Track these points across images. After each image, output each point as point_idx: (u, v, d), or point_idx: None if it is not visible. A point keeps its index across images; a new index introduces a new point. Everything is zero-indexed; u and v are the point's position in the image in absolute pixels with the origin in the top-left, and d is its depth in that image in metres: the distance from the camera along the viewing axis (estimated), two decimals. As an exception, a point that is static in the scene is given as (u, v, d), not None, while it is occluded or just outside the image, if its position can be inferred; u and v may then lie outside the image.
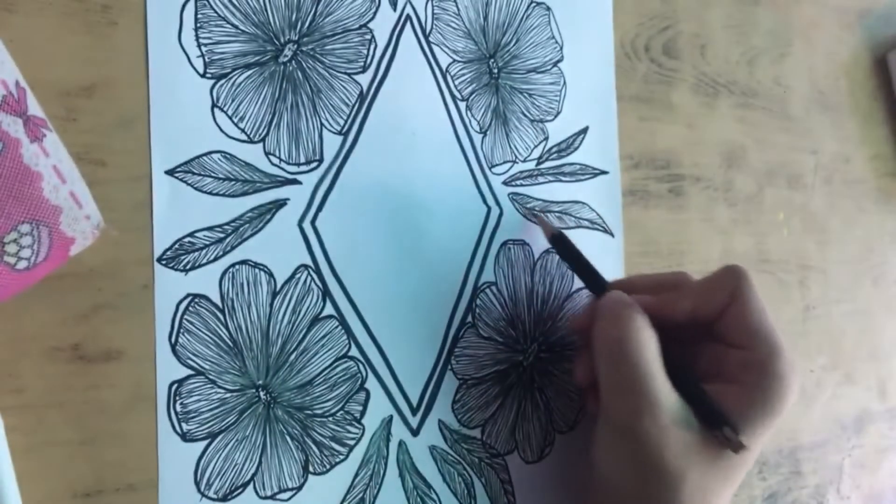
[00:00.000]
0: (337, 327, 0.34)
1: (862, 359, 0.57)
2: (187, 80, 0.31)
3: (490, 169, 0.39)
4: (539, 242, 0.40)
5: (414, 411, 0.36)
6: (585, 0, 0.44)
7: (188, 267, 0.31)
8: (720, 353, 0.35)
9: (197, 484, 0.30)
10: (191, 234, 0.31)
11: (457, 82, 0.39)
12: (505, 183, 0.40)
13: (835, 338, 0.55)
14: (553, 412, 0.40)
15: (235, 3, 0.33)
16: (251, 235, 0.32)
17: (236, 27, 0.33)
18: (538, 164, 0.41)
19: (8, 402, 0.27)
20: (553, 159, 0.42)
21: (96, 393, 0.29)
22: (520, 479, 0.39)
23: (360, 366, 0.35)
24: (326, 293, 0.34)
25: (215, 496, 0.31)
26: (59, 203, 0.25)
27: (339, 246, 0.34)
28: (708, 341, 0.36)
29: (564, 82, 0.43)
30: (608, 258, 0.43)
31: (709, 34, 0.50)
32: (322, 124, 0.35)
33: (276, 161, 0.33)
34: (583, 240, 0.42)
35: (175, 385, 0.30)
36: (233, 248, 0.32)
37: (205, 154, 0.32)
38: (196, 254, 0.31)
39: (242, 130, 0.33)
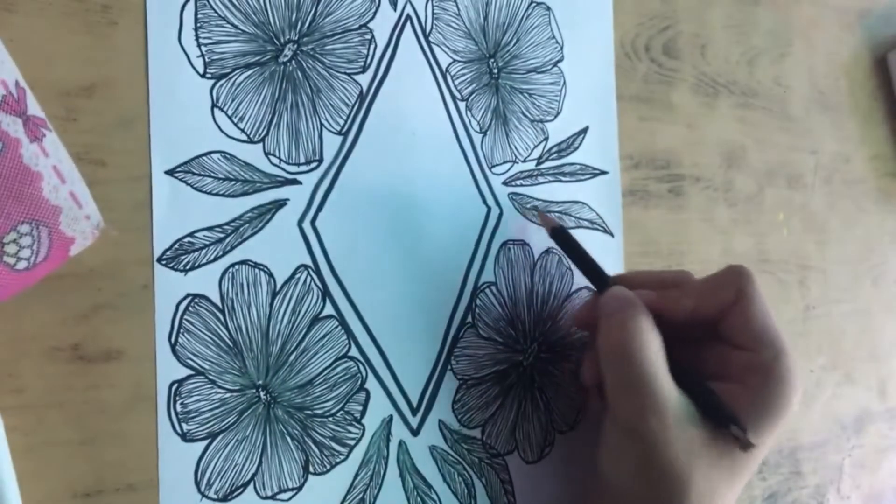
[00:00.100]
0: (337, 327, 0.34)
1: (862, 359, 0.57)
2: (187, 80, 0.31)
3: (490, 169, 0.39)
4: (539, 243, 0.40)
5: (414, 411, 0.36)
6: (585, 0, 0.44)
7: (188, 267, 0.31)
8: (724, 353, 0.35)
9: (197, 484, 0.30)
10: (191, 234, 0.31)
11: (457, 82, 0.39)
12: (505, 183, 0.40)
13: (835, 338, 0.55)
14: (553, 412, 0.40)
15: (235, 3, 0.33)
16: (251, 235, 0.32)
17: (236, 27, 0.33)
18: (538, 164, 0.41)
19: (8, 402, 0.27)
20: (553, 159, 0.42)
21: (96, 393, 0.29)
22: (520, 479, 0.39)
23: (360, 366, 0.35)
24: (326, 293, 0.34)
25: (215, 496, 0.31)
26: (59, 203, 0.25)
27: (339, 246, 0.34)
28: (712, 341, 0.36)
29: (564, 82, 0.42)
30: (608, 258, 0.43)
31: (709, 34, 0.50)
32: (322, 124, 0.35)
33: (275, 161, 0.33)
34: (583, 240, 0.42)
35: (175, 385, 0.30)
36: (233, 248, 0.32)
37: (205, 154, 0.32)
38: (196, 254, 0.31)
39: (242, 130, 0.33)
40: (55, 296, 0.28)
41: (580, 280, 0.41)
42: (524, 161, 0.41)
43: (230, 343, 0.32)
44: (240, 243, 0.32)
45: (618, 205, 0.44)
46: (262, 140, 0.33)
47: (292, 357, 0.33)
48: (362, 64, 0.36)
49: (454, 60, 0.39)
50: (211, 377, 0.31)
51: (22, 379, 0.28)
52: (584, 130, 0.43)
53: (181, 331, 0.31)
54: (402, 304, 0.36)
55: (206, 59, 0.32)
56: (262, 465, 0.32)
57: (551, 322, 0.41)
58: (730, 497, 0.34)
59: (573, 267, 0.41)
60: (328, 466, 0.33)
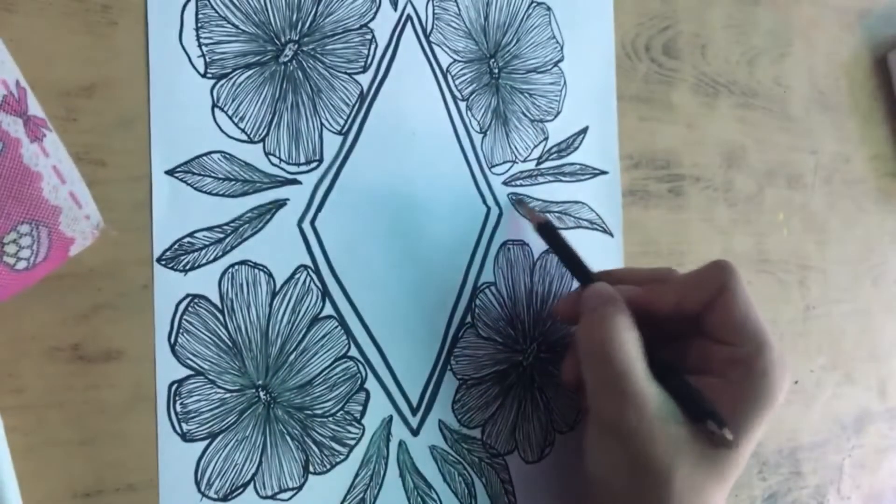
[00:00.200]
0: (336, 327, 0.34)
1: (862, 359, 0.57)
2: (187, 80, 0.31)
3: (490, 169, 0.39)
4: (539, 243, 0.40)
5: (414, 411, 0.36)
6: (586, 0, 0.44)
7: (188, 267, 0.31)
8: (707, 348, 0.35)
9: (197, 484, 0.30)
10: (190, 235, 0.31)
11: (457, 82, 0.39)
12: (505, 183, 0.40)
13: (835, 338, 0.55)
14: (553, 412, 0.40)
15: (236, 3, 0.33)
16: (251, 236, 0.32)
17: (237, 27, 0.33)
18: (538, 164, 0.41)
19: (8, 402, 0.27)
20: (553, 159, 0.42)
21: (96, 393, 0.29)
22: (520, 479, 0.39)
23: (360, 366, 0.35)
24: (326, 293, 0.34)
25: (215, 496, 0.31)
26: (59, 203, 0.25)
27: (339, 246, 0.34)
28: (695, 336, 0.36)
29: (564, 82, 0.42)
30: (608, 258, 0.43)
31: (709, 34, 0.50)
32: (322, 124, 0.35)
33: (276, 161, 0.33)
34: (583, 240, 0.42)
35: (175, 385, 0.30)
36: (232, 248, 0.32)
37: (205, 154, 0.32)
38: (196, 254, 0.31)
39: (242, 130, 0.32)
40: (55, 296, 0.28)
41: (567, 270, 0.41)
42: (524, 161, 0.41)
43: (230, 343, 0.32)
44: (239, 243, 0.32)
45: (618, 205, 0.44)
46: (263, 140, 0.33)
47: (292, 357, 0.33)
48: (363, 64, 0.36)
49: (454, 60, 0.39)
50: (211, 377, 0.31)
51: (22, 379, 0.28)
52: (584, 130, 0.43)
53: (181, 331, 0.31)
54: (402, 304, 0.36)
55: (207, 59, 0.32)
56: (262, 464, 0.32)
57: (551, 322, 0.41)
58: (717, 493, 0.33)
59: (560, 262, 0.41)
60: (328, 466, 0.33)
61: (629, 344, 0.33)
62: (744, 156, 0.51)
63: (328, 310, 0.34)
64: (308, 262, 0.34)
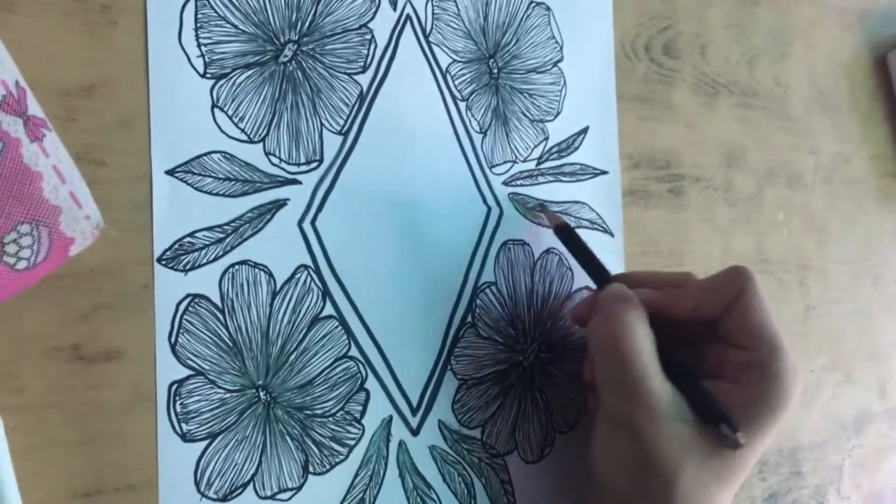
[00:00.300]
0: (337, 327, 0.34)
1: (862, 359, 0.57)
2: (187, 80, 0.31)
3: (490, 169, 0.39)
4: (539, 243, 0.40)
5: (414, 411, 0.36)
6: (585, 0, 0.44)
7: (188, 267, 0.31)
8: (722, 352, 0.35)
9: (197, 484, 0.30)
10: (191, 234, 0.31)
11: (457, 82, 0.39)
12: (505, 183, 0.40)
13: (835, 338, 0.55)
14: (553, 412, 0.40)
15: (235, 3, 0.33)
16: (251, 235, 0.32)
17: (236, 27, 0.33)
18: (538, 164, 0.41)
19: (8, 402, 0.27)
20: (553, 159, 0.42)
21: (96, 393, 0.29)
22: (520, 479, 0.39)
23: (360, 366, 0.35)
24: (326, 293, 0.34)
25: (215, 496, 0.31)
26: (59, 203, 0.25)
27: (339, 246, 0.34)
28: (711, 341, 0.36)
29: (564, 82, 0.43)
30: (608, 258, 0.43)
31: (709, 34, 0.50)
32: (322, 124, 0.35)
33: (276, 161, 0.33)
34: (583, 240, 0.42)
35: (175, 385, 0.30)
36: (233, 248, 0.32)
37: (205, 154, 0.32)
38: (196, 254, 0.31)
39: (242, 130, 0.33)
40: (55, 296, 0.28)
41: (580, 280, 0.41)
42: (524, 161, 0.41)
43: (230, 343, 0.32)
44: (240, 243, 0.32)
45: (618, 205, 0.44)
46: (263, 140, 0.33)
47: (292, 357, 0.33)
48: (362, 64, 0.36)
49: (454, 60, 0.39)
50: (211, 377, 0.31)
51: (22, 379, 0.28)
52: (585, 130, 0.43)
53: (181, 331, 0.31)
54: (403, 303, 0.36)
55: (206, 59, 0.32)
56: (262, 465, 0.32)
57: (551, 322, 0.41)
58: (723, 495, 0.33)
59: (573, 266, 0.41)
60: (328, 466, 0.33)
61: (642, 341, 0.33)
62: (744, 156, 0.51)
63: (328, 310, 0.34)
64: (308, 261, 0.34)
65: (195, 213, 0.31)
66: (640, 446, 0.32)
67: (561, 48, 0.42)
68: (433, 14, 0.38)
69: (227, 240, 0.32)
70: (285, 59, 0.34)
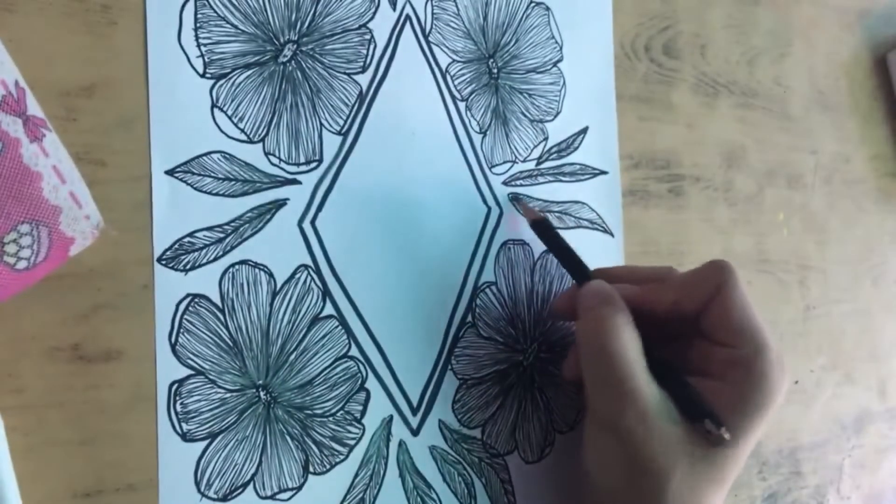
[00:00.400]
0: (337, 327, 0.34)
1: (862, 359, 0.57)
2: (187, 80, 0.31)
3: (490, 169, 0.39)
4: (539, 242, 0.40)
5: (414, 411, 0.36)
6: (585, 0, 0.44)
7: (188, 267, 0.31)
8: (706, 349, 0.35)
9: (197, 484, 0.30)
10: (191, 234, 0.31)
11: (456, 82, 0.39)
12: (505, 183, 0.40)
13: (835, 338, 0.55)
14: (553, 412, 0.40)
15: (235, 3, 0.33)
16: (251, 235, 0.32)
17: (236, 27, 0.33)
18: (538, 164, 0.41)
19: (8, 402, 0.27)
20: (553, 159, 0.42)
21: (96, 393, 0.29)
22: (520, 479, 0.39)
23: (360, 366, 0.35)
24: (326, 293, 0.34)
25: (215, 496, 0.31)
26: (59, 203, 0.25)
27: (339, 246, 0.34)
28: (694, 338, 0.36)
29: (564, 82, 0.43)
30: (608, 258, 0.43)
31: (709, 34, 0.50)
32: (322, 124, 0.35)
33: (275, 161, 0.33)
34: (583, 240, 0.42)
35: (175, 385, 0.30)
36: (233, 248, 0.32)
37: (205, 154, 0.32)
38: (196, 254, 0.31)
39: (242, 130, 0.33)
40: (55, 296, 0.28)
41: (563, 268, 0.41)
42: (524, 161, 0.41)
43: (230, 343, 0.32)
44: (240, 243, 0.32)
45: (618, 205, 0.44)
46: (262, 140, 0.33)
47: (292, 357, 0.33)
48: (362, 64, 0.36)
49: (454, 60, 0.39)
50: (211, 377, 0.31)
51: (22, 379, 0.28)
52: (584, 130, 0.43)
53: (181, 331, 0.31)
54: (403, 303, 0.36)
55: (206, 59, 0.32)
56: (262, 464, 0.32)
57: (551, 322, 0.41)
58: (715, 494, 0.33)
59: (556, 260, 0.41)
60: (328, 466, 0.33)
61: (629, 343, 0.33)
62: (744, 156, 0.51)
63: (329, 309, 0.34)
64: (308, 261, 0.34)
65: (195, 213, 0.31)
66: (630, 448, 0.32)
67: (561, 48, 0.43)
68: (433, 14, 0.38)
69: (227, 240, 0.32)
70: (285, 59, 0.34)
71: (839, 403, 0.55)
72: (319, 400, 0.33)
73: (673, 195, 0.47)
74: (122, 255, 0.30)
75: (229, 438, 0.31)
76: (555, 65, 0.42)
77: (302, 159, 0.34)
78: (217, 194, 0.32)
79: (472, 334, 0.38)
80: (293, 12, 0.34)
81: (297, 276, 0.33)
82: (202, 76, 0.32)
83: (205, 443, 0.31)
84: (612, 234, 0.44)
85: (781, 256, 0.52)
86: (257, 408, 0.32)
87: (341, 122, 0.35)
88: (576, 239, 0.39)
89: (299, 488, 0.33)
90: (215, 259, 0.32)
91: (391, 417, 0.35)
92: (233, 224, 0.32)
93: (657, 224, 0.46)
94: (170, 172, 0.31)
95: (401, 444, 0.35)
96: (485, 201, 0.39)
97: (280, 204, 0.33)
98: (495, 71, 0.40)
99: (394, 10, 0.37)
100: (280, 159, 0.33)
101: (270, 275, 0.33)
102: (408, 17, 0.37)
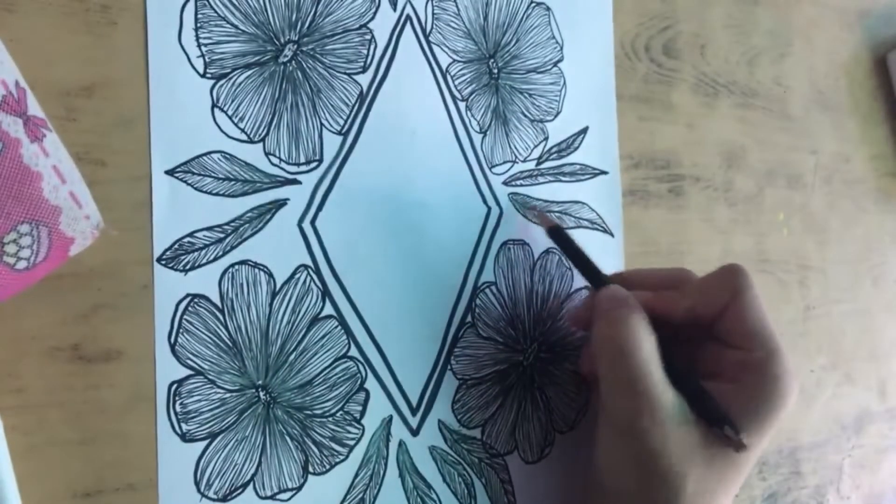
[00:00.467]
0: (336, 327, 0.34)
1: (862, 359, 0.57)
2: (187, 80, 0.31)
3: (490, 169, 0.39)
4: (539, 242, 0.40)
5: (414, 411, 0.36)
6: (585, 0, 0.44)
7: (188, 267, 0.31)
8: (719, 352, 0.35)
9: (197, 484, 0.30)
10: (190, 234, 0.31)
11: (457, 82, 0.39)
12: (505, 183, 0.40)
13: (835, 338, 0.55)
14: (553, 412, 0.40)
15: (235, 3, 0.33)
16: (251, 235, 0.32)
17: (236, 27, 0.33)
18: (538, 164, 0.41)
19: (8, 402, 0.27)
20: (553, 159, 0.42)
21: (96, 393, 0.29)
22: (520, 479, 0.39)
23: (360, 366, 0.35)
24: (326, 293, 0.34)
25: (215, 496, 0.31)
26: (59, 203, 0.25)
27: (339, 246, 0.34)
28: (707, 340, 0.36)
29: (564, 82, 0.43)
30: (608, 258, 0.43)
31: (709, 34, 0.50)
32: (322, 124, 0.35)
33: (276, 161, 0.33)
34: (583, 240, 0.42)
35: (175, 385, 0.30)
36: (232, 248, 0.32)
37: (205, 154, 0.32)
38: (196, 254, 0.31)
39: (242, 130, 0.33)
40: (55, 296, 0.28)
41: (580, 280, 0.41)
42: (524, 161, 0.41)
43: (230, 343, 0.32)
44: (240, 243, 0.32)
45: (618, 205, 0.44)
46: (263, 140, 0.33)
47: (292, 357, 0.33)
48: (362, 64, 0.36)
49: (454, 60, 0.39)
50: (210, 377, 0.31)
51: (22, 379, 0.28)
52: (584, 130, 0.43)
53: (181, 331, 0.31)
54: (402, 303, 0.36)
55: (206, 59, 0.32)
56: (262, 465, 0.32)
57: (551, 322, 0.41)
58: (725, 497, 0.34)
59: (573, 266, 0.41)
60: (328, 466, 0.33)
61: (646, 346, 0.33)
62: (744, 156, 0.51)
63: (328, 309, 0.34)
64: (308, 261, 0.34)
65: (195, 213, 0.31)
66: (646, 450, 0.32)
67: (561, 48, 0.42)
68: (433, 14, 0.38)
69: (227, 240, 0.32)
70: (285, 60, 0.34)
71: (839, 403, 0.55)
72: (319, 400, 0.33)
73: (673, 195, 0.47)
74: (122, 255, 0.30)
75: (229, 439, 0.31)
76: (555, 65, 0.42)
77: (302, 159, 0.34)
78: (217, 194, 0.32)
79: (471, 334, 0.38)
80: (293, 12, 0.34)
81: (297, 276, 0.33)
82: (202, 76, 0.32)
83: (204, 443, 0.31)
84: (612, 234, 0.44)
85: (781, 256, 0.52)
86: (257, 408, 0.32)
87: (341, 122, 0.35)
88: (576, 239, 0.39)
89: (299, 488, 0.33)
90: (215, 259, 0.32)
91: (391, 417, 0.35)
92: (233, 224, 0.32)
93: (657, 224, 0.46)
94: (170, 172, 0.31)
95: (400, 444, 0.35)
96: (485, 201, 0.39)
97: (280, 204, 0.33)
98: (496, 71, 0.40)
99: (394, 10, 0.37)
100: (280, 159, 0.33)
101: (270, 275, 0.33)
102: (408, 17, 0.37)
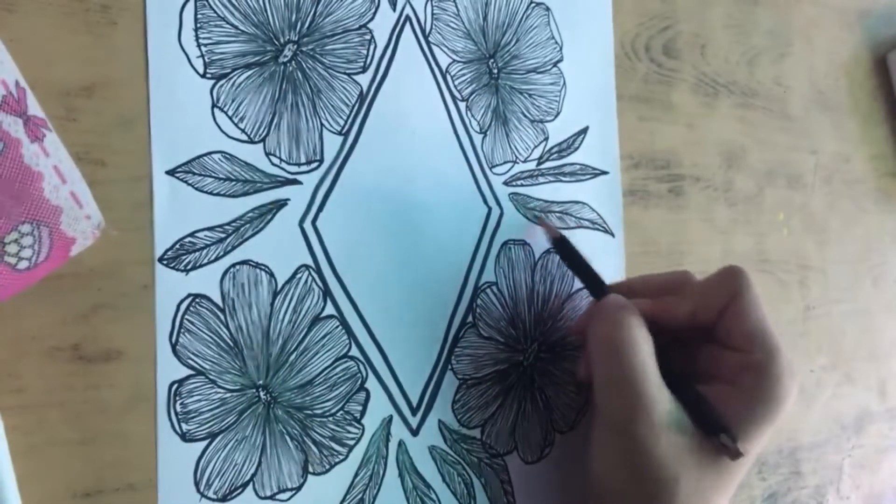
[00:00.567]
0: (337, 327, 0.34)
1: (862, 359, 0.57)
2: (187, 81, 0.31)
3: (490, 169, 0.39)
4: (539, 242, 0.40)
5: (414, 411, 0.36)
6: (585, 0, 0.44)
7: (189, 267, 0.31)
8: (718, 354, 0.35)
9: (196, 484, 0.30)
10: (191, 234, 0.31)
11: (457, 82, 0.39)
12: (505, 183, 0.40)
13: (835, 338, 0.55)
14: (553, 412, 0.40)
15: (235, 3, 0.33)
16: (252, 235, 0.32)
17: (236, 27, 0.33)
18: (538, 164, 0.41)
19: (8, 402, 0.27)
20: (553, 159, 0.42)
21: (96, 393, 0.29)
22: (519, 479, 0.39)
23: (361, 366, 0.35)
24: (327, 293, 0.34)
25: (215, 496, 0.31)
26: (60, 203, 0.25)
27: (340, 246, 0.34)
28: (706, 342, 0.36)
29: (564, 82, 0.43)
30: (609, 258, 0.43)
31: (709, 34, 0.50)
32: (322, 124, 0.35)
33: (276, 161, 0.33)
34: (583, 240, 0.42)
35: (175, 385, 0.30)
36: (233, 248, 0.32)
37: (205, 154, 0.32)
38: (197, 254, 0.31)
39: (243, 131, 0.33)
40: (55, 296, 0.28)
41: (581, 283, 0.41)
42: (524, 161, 0.41)
43: (231, 343, 0.32)
44: (241, 243, 0.32)
45: (618, 205, 0.44)
46: (263, 140, 0.33)
47: (293, 357, 0.33)
48: (362, 64, 0.36)
49: (454, 61, 0.39)
50: (211, 377, 0.31)
51: (22, 379, 0.28)
52: (584, 130, 0.43)
53: (182, 331, 0.31)
54: (403, 303, 0.36)
55: (206, 60, 0.32)
56: (262, 465, 0.32)
57: (552, 322, 0.41)
58: (722, 499, 0.33)
59: (576, 276, 0.41)
60: (327, 466, 0.33)
61: (644, 347, 0.33)
62: (744, 156, 0.51)
63: (329, 309, 0.34)
64: (309, 261, 0.34)
65: (196, 213, 0.31)
66: (638, 452, 0.32)
67: (561, 48, 0.43)
68: (433, 14, 0.38)
69: (228, 240, 0.32)
70: (285, 60, 0.34)
71: (839, 403, 0.55)
72: (319, 400, 0.33)
73: (673, 195, 0.47)
74: (123, 255, 0.30)
75: (229, 438, 0.31)
76: (555, 65, 0.42)
77: (303, 159, 0.34)
78: (218, 194, 0.32)
79: (472, 334, 0.38)
80: (293, 13, 0.34)
81: (298, 276, 0.33)
82: (202, 76, 0.32)
83: (204, 443, 0.31)
84: (612, 234, 0.44)
85: (781, 256, 0.52)
86: (257, 408, 0.32)
87: (342, 123, 0.35)
88: (576, 239, 0.39)
89: (299, 488, 0.33)
90: (216, 259, 0.32)
91: (391, 417, 0.35)
92: (234, 224, 0.32)
93: (657, 224, 0.46)
94: (170, 172, 0.31)
95: (400, 444, 0.35)
96: (485, 201, 0.39)
97: (281, 204, 0.33)
98: (495, 71, 0.40)
99: (394, 10, 0.37)
100: (281, 159, 0.33)
101: (271, 275, 0.33)
102: (408, 17, 0.37)
